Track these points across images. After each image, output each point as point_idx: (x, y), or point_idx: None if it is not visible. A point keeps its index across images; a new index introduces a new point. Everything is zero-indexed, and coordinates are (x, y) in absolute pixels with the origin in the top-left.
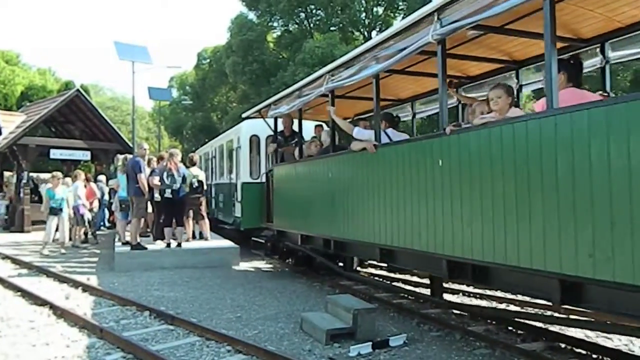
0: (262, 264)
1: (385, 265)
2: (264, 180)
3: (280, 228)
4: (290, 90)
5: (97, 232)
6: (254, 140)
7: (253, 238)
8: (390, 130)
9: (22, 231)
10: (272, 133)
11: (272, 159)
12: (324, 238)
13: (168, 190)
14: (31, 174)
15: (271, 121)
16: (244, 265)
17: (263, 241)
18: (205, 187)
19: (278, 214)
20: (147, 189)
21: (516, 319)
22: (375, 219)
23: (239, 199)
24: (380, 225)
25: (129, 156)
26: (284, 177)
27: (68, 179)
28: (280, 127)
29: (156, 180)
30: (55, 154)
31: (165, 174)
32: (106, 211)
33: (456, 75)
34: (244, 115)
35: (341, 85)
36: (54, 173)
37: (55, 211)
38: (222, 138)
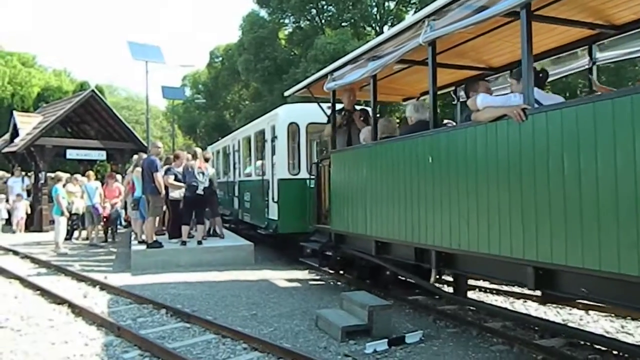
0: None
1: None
2: (305, 175)
3: (341, 231)
4: (358, 52)
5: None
6: (293, 129)
7: (302, 243)
8: (535, 91)
9: (40, 230)
10: (314, 120)
11: (329, 143)
12: (418, 247)
13: (201, 186)
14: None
15: (323, 103)
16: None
17: (316, 248)
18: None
19: (337, 214)
20: (163, 187)
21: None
22: (525, 223)
23: (275, 198)
24: (538, 234)
25: (144, 155)
26: (347, 166)
27: (84, 178)
28: (326, 108)
29: (171, 179)
30: (71, 154)
31: (195, 171)
32: (122, 210)
33: (599, 24)
34: (286, 94)
35: (456, 29)
36: (58, 174)
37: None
38: (248, 129)
